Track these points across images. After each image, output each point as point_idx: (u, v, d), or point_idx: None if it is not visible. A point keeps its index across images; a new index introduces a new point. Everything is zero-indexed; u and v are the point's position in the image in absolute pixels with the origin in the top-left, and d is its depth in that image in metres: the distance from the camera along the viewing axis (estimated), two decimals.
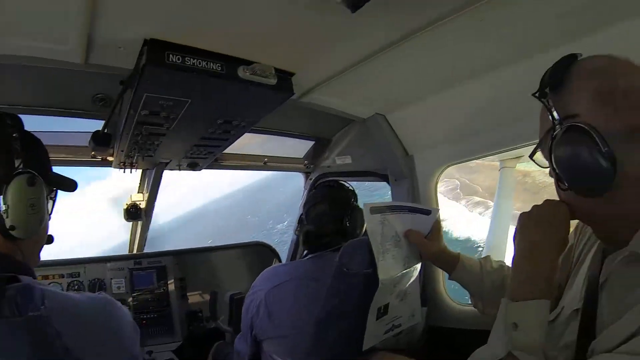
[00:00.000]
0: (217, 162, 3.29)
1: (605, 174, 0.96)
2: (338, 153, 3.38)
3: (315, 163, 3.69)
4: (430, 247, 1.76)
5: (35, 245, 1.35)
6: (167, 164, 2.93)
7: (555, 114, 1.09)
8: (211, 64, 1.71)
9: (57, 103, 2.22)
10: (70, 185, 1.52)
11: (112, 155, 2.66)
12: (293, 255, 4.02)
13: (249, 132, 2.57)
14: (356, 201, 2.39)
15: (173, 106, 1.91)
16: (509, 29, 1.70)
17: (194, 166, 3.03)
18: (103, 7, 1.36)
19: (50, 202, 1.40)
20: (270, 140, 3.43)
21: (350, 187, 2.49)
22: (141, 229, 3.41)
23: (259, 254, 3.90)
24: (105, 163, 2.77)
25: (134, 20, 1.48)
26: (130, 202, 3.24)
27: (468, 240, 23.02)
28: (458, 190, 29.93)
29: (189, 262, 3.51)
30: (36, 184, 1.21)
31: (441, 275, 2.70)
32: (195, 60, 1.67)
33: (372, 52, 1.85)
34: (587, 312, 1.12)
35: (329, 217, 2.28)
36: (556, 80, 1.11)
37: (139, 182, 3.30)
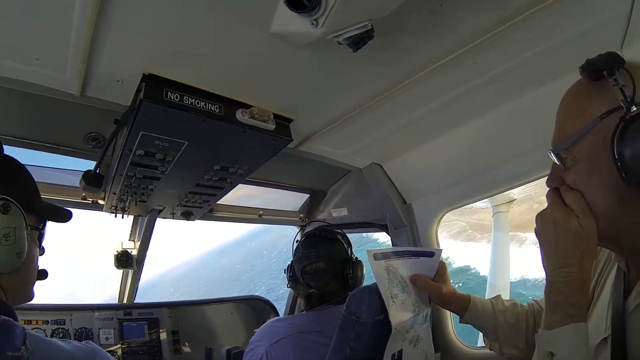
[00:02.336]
0: (212, 212, 3.25)
1: None
2: (334, 205, 3.37)
3: (311, 216, 3.67)
4: (439, 289, 1.69)
5: (19, 280, 1.23)
6: (160, 211, 2.86)
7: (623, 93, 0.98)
8: (209, 104, 1.69)
9: (48, 138, 2.18)
10: (62, 215, 1.44)
11: (103, 198, 2.60)
12: (291, 309, 3.90)
13: (244, 183, 2.58)
14: (352, 250, 2.36)
15: (169, 148, 1.88)
16: (500, 69, 1.76)
17: (188, 215, 2.97)
18: (104, 37, 1.34)
19: (35, 233, 1.30)
20: (264, 193, 3.40)
21: (343, 236, 2.46)
22: (132, 278, 3.28)
23: (255, 308, 3.80)
24: (96, 206, 2.69)
25: (134, 53, 1.46)
26: (121, 249, 3.14)
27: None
28: (469, 231, 29.42)
29: (183, 314, 3.38)
30: (10, 211, 1.12)
31: (450, 319, 2.63)
32: (194, 99, 1.65)
33: (368, 98, 1.89)
34: (616, 341, 1.07)
35: (329, 275, 2.25)
36: (614, 63, 1.02)
37: (130, 228, 3.21)
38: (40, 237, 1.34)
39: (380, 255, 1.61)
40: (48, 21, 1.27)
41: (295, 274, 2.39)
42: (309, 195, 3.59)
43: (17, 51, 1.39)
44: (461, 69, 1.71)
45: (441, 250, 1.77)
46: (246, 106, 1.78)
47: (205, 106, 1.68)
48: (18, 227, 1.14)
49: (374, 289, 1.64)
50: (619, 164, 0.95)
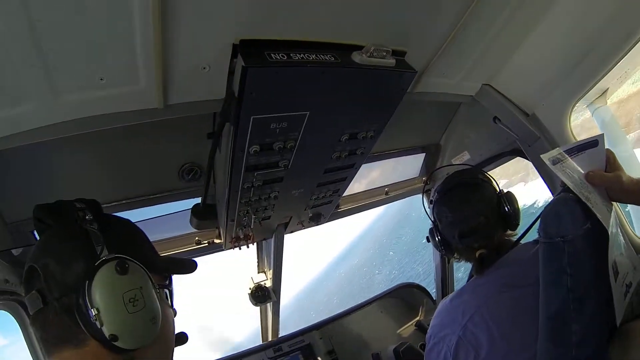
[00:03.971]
0: (338, 209, 2.98)
1: None
2: (452, 154, 3.10)
3: (433, 177, 3.33)
4: (619, 179, 1.47)
5: (158, 351, 1.06)
6: (287, 224, 2.57)
7: None
8: (321, 55, 1.41)
9: (140, 191, 2.05)
10: (187, 266, 1.26)
11: (219, 236, 2.41)
12: (443, 285, 3.55)
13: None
14: (494, 182, 2.15)
15: (289, 128, 1.59)
16: None
17: (318, 218, 2.65)
18: (173, 18, 1.13)
19: (163, 292, 1.14)
20: (376, 171, 3.19)
21: (483, 173, 2.23)
22: (272, 310, 3.10)
23: (404, 298, 3.57)
24: (214, 247, 2.51)
25: (213, 24, 1.22)
26: (253, 285, 2.94)
27: None
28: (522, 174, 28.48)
29: (333, 331, 3.20)
30: (130, 270, 0.96)
31: (623, 216, 2.23)
32: (303, 54, 1.37)
33: (461, 11, 1.66)
34: None
35: (492, 225, 1.98)
36: None
37: (256, 259, 3.02)
38: (170, 295, 1.19)
39: (556, 159, 1.49)
40: (100, 26, 1.08)
41: (449, 241, 2.08)
42: (424, 155, 3.26)
43: (77, 75, 1.19)
44: None
45: (602, 135, 1.54)
46: (358, 47, 1.49)
47: (318, 57, 1.40)
48: (144, 287, 0.99)
49: (568, 197, 1.48)
50: None
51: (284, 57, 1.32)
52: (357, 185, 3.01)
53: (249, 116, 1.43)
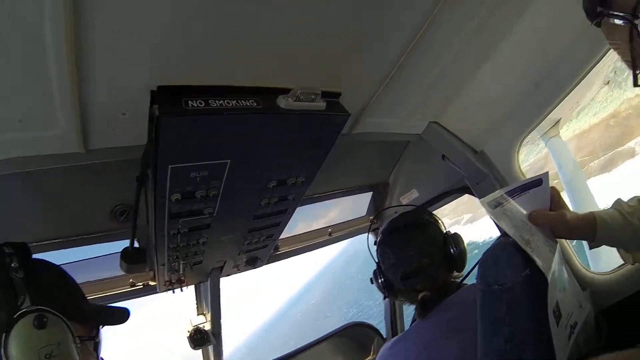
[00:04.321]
0: (277, 251, 2.92)
1: None
2: (401, 192, 3.07)
3: (381, 216, 3.30)
4: (563, 218, 1.45)
5: None
6: (222, 268, 2.49)
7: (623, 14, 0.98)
8: (243, 101, 1.33)
9: (72, 230, 1.95)
10: (118, 316, 1.23)
11: (153, 277, 2.30)
12: (393, 324, 3.47)
13: (302, 204, 2.21)
14: (441, 223, 2.13)
15: (210, 177, 1.50)
16: None
17: (254, 262, 2.56)
18: (89, 61, 1.07)
19: (90, 344, 1.10)
20: (323, 212, 3.15)
21: (429, 213, 2.23)
22: (214, 354, 2.95)
23: (356, 337, 3.48)
24: (149, 289, 2.43)
25: (131, 69, 1.15)
26: (192, 327, 2.80)
27: None
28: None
29: None
30: (48, 324, 0.93)
31: (570, 250, 2.22)
32: (222, 100, 1.30)
33: (402, 46, 1.61)
34: None
35: (436, 266, 1.96)
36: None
37: (195, 301, 2.90)
38: (97, 346, 1.14)
39: (494, 202, 1.44)
40: (15, 67, 1.01)
41: (392, 283, 2.05)
42: (371, 193, 3.23)
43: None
44: None
45: (547, 173, 1.51)
46: (285, 91, 1.41)
47: (239, 104, 1.32)
48: (63, 343, 0.96)
49: (507, 243, 1.43)
50: None
51: (202, 104, 1.25)
52: (302, 225, 2.96)
53: (167, 165, 1.35)
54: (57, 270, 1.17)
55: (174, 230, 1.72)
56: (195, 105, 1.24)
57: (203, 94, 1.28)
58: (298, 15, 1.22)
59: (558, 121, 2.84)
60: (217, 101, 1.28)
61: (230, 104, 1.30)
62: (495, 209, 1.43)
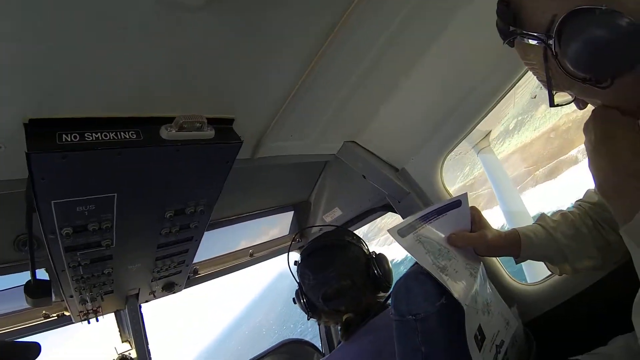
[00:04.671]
0: (197, 274, 2.84)
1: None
2: (324, 210, 3.07)
3: (304, 233, 3.30)
4: (484, 238, 1.49)
5: None
6: (137, 295, 2.41)
7: (536, 34, 0.99)
8: (122, 133, 1.30)
9: None
10: (27, 353, 1.14)
11: (66, 308, 2.20)
12: (329, 341, 3.46)
13: (215, 226, 2.28)
14: (367, 245, 2.10)
15: (98, 210, 1.45)
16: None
17: (171, 288, 2.50)
18: None
19: None
20: (243, 233, 3.09)
21: (352, 234, 2.18)
22: None
23: (294, 355, 3.43)
24: (64, 320, 2.32)
25: (2, 103, 1.11)
26: (117, 355, 2.71)
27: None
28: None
29: None
30: None
31: (499, 265, 2.24)
32: (99, 133, 1.25)
33: (303, 65, 1.59)
34: None
35: (358, 288, 1.95)
36: (512, 13, 1.03)
37: (117, 328, 2.79)
38: None
39: (405, 229, 1.39)
40: None
41: (314, 303, 2.04)
42: (293, 212, 3.22)
43: None
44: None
45: (466, 194, 1.54)
46: (169, 120, 1.38)
47: (118, 136, 1.28)
48: None
49: (419, 272, 1.36)
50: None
51: (76, 137, 1.20)
52: (225, 246, 2.93)
53: (49, 201, 1.31)
54: None
55: (74, 263, 1.67)
56: (69, 139, 1.20)
57: (79, 126, 1.23)
58: (181, 38, 1.19)
59: (488, 133, 2.94)
60: (93, 134, 1.24)
61: (108, 137, 1.26)
62: (406, 236, 1.38)
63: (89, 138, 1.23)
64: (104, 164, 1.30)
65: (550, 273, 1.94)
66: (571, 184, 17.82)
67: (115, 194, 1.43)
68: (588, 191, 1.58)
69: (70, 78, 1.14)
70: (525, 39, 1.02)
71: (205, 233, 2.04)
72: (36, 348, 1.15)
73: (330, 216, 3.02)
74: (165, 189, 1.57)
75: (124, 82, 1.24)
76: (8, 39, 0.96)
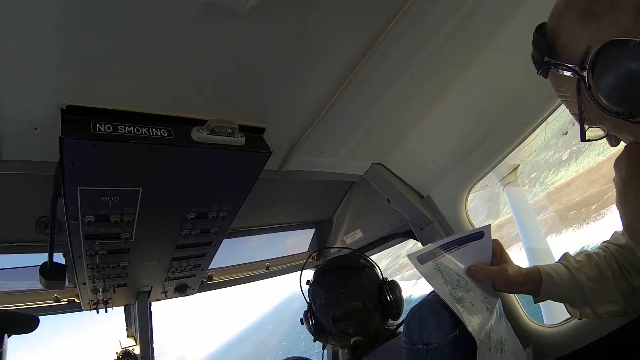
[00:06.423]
0: (211, 280, 2.82)
1: None
2: (345, 231, 3.04)
3: (323, 252, 3.27)
4: (504, 273, 1.44)
5: None
6: (149, 292, 2.41)
7: (570, 65, 0.97)
8: (154, 130, 1.31)
9: None
10: (25, 323, 1.19)
11: (77, 295, 2.21)
12: None
13: (235, 235, 2.26)
14: (381, 271, 2.07)
15: (122, 202, 1.47)
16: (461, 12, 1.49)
17: (183, 290, 2.49)
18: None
19: None
20: (263, 246, 3.04)
21: (366, 259, 2.16)
22: None
23: None
24: (73, 306, 2.33)
25: (38, 87, 1.14)
26: (120, 349, 2.69)
27: None
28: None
29: None
30: None
31: (517, 303, 2.18)
32: (133, 127, 1.27)
33: (340, 80, 1.59)
34: None
35: (369, 312, 1.94)
36: (547, 43, 1.01)
37: (124, 321, 2.77)
38: (0, 357, 1.08)
39: (426, 256, 1.36)
40: None
41: (322, 324, 2.02)
42: (314, 229, 3.19)
43: None
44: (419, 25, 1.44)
45: (489, 225, 1.49)
46: (201, 122, 1.39)
47: (149, 132, 1.30)
48: None
49: (435, 301, 1.34)
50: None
51: (109, 128, 1.23)
52: (242, 255, 2.91)
53: (75, 187, 1.32)
54: None
55: (91, 251, 1.69)
56: (103, 129, 1.22)
57: (114, 118, 1.25)
58: (222, 43, 1.21)
59: (517, 167, 2.88)
60: (126, 127, 1.26)
61: (140, 132, 1.28)
62: (426, 263, 1.35)
63: (121, 130, 1.25)
64: (133, 158, 1.31)
65: (569, 316, 1.86)
66: None
67: (141, 189, 1.45)
68: (615, 232, 1.53)
69: (110, 70, 1.17)
70: (559, 70, 1.01)
71: (224, 240, 2.04)
72: (35, 320, 1.20)
73: (351, 237, 2.99)
74: (190, 190, 1.58)
75: (161, 80, 1.27)
76: (56, 28, 0.99)
